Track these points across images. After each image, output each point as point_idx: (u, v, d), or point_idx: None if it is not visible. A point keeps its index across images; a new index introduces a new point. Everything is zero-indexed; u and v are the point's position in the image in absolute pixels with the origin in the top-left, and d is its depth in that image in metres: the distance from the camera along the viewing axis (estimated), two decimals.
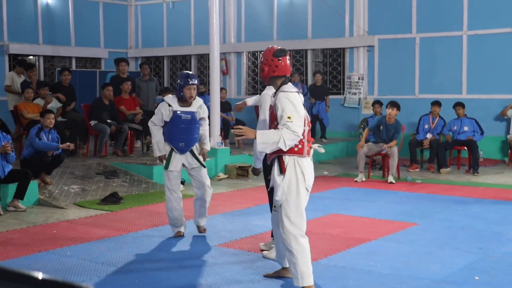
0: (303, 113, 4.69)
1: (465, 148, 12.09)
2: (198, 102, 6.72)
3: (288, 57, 4.97)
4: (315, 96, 14.60)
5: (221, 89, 14.51)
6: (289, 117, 4.57)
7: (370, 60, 14.86)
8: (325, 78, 15.51)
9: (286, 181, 4.70)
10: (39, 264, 5.81)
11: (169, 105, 6.60)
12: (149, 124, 6.81)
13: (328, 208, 8.39)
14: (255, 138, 4.62)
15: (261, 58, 4.95)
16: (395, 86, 14.49)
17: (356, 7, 15.01)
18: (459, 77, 13.90)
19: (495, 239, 6.73)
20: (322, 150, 5.13)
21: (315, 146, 4.98)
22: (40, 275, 1.57)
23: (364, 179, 10.89)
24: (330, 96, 14.95)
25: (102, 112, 11.38)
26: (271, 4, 16.45)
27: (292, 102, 4.66)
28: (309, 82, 15.77)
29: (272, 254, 5.78)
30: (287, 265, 5.11)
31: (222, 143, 11.57)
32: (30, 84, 11.81)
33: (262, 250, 6.13)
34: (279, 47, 4.95)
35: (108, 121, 11.35)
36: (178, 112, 6.61)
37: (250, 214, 8.13)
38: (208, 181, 6.91)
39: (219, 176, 11.09)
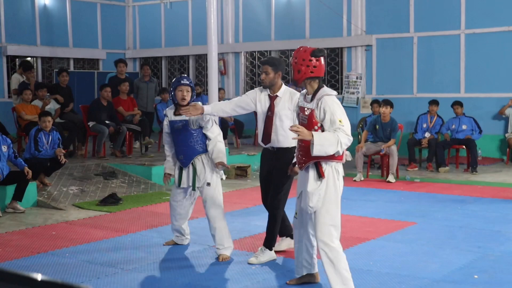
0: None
1: (464, 147, 12.10)
2: None
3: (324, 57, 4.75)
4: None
5: (219, 89, 14.51)
6: (340, 121, 4.44)
7: (368, 60, 14.87)
8: (323, 77, 15.49)
9: (323, 187, 4.57)
10: (38, 265, 5.81)
11: (166, 116, 6.17)
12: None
13: None
14: (312, 139, 4.39)
15: (294, 59, 4.71)
16: (393, 85, 14.49)
17: (354, 7, 15.02)
18: (457, 76, 13.91)
19: (494, 238, 6.74)
20: (350, 158, 5.04)
21: (347, 152, 4.85)
22: (39, 277, 1.58)
23: (362, 179, 10.89)
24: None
25: (100, 113, 11.38)
26: (269, 4, 16.45)
27: (340, 105, 4.57)
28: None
29: (281, 245, 6.10)
30: (313, 271, 5.06)
31: None
32: (28, 86, 11.81)
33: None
34: (316, 47, 4.75)
35: (107, 122, 11.35)
36: (171, 121, 6.10)
37: (249, 214, 8.13)
38: (211, 201, 6.06)
39: None
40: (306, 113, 4.64)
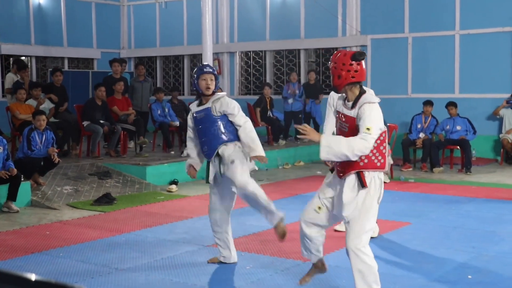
0: (383, 127, 4.31)
1: (458, 147, 12.12)
2: (216, 96, 5.63)
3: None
4: (308, 95, 14.59)
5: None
6: (368, 128, 4.18)
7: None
8: (318, 77, 15.52)
9: (362, 196, 4.32)
10: (32, 265, 5.79)
11: (190, 110, 5.79)
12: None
13: None
14: (320, 140, 4.24)
15: (334, 63, 4.42)
16: (388, 85, 14.51)
17: (349, 7, 15.03)
18: (452, 76, 13.94)
19: (488, 238, 6.75)
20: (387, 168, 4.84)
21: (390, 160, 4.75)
22: (33, 277, 1.57)
23: None
24: (323, 96, 14.94)
25: (95, 112, 11.35)
26: (264, 4, 16.45)
27: (378, 114, 4.28)
28: (302, 82, 15.76)
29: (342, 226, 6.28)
30: (321, 257, 4.84)
31: None
32: (22, 85, 11.77)
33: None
34: (356, 50, 4.47)
35: (101, 121, 11.32)
36: (194, 113, 5.69)
37: (244, 214, 8.12)
38: (238, 177, 5.40)
39: None
40: (345, 121, 4.40)
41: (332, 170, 4.67)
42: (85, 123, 11.37)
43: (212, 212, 5.79)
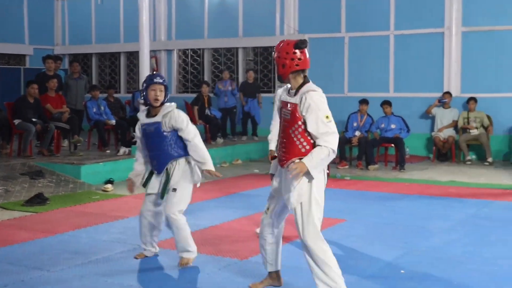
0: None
1: (392, 145, 12.37)
2: (165, 109, 5.50)
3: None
4: (247, 93, 14.61)
5: None
6: (327, 116, 4.31)
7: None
8: (256, 76, 15.56)
9: (308, 183, 4.37)
10: None
11: (138, 119, 5.66)
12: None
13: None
14: (306, 168, 4.26)
15: (277, 53, 4.46)
16: (325, 84, 14.48)
17: (287, 6, 15.13)
18: (386, 76, 14.22)
19: (420, 233, 6.91)
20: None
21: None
22: None
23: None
24: (262, 94, 15.00)
25: (26, 110, 11.06)
26: (202, 1, 16.39)
27: (325, 102, 4.40)
28: (240, 80, 15.79)
29: None
30: (277, 269, 4.90)
31: None
32: None
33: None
34: (298, 39, 4.48)
35: (33, 119, 11.05)
36: (143, 125, 5.57)
37: (192, 211, 8.05)
38: (169, 209, 5.51)
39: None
40: (288, 108, 4.46)
41: (273, 159, 4.78)
42: (16, 121, 11.07)
43: (142, 216, 5.79)
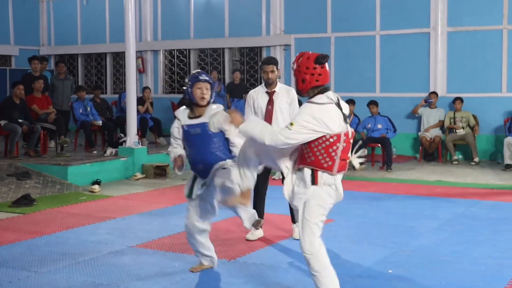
0: (331, 130, 4.18)
1: (379, 145, 12.41)
2: (211, 110, 5.15)
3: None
4: (233, 94, 14.61)
5: (144, 88, 14.30)
6: (292, 124, 4.16)
7: (287, 59, 15.01)
8: (242, 76, 15.56)
9: (310, 192, 4.35)
10: None
11: (178, 119, 5.23)
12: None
13: None
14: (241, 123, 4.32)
15: (297, 67, 4.33)
16: None
17: (273, 6, 15.14)
18: (373, 76, 14.26)
19: (408, 233, 6.94)
20: (357, 165, 4.77)
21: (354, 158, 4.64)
22: None
23: (281, 177, 10.97)
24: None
25: (12, 111, 11.00)
26: (188, 2, 16.35)
27: (310, 114, 4.16)
28: (227, 81, 15.78)
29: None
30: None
31: (139, 143, 11.40)
32: None
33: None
34: (319, 53, 4.36)
35: (20, 120, 10.98)
36: (185, 126, 5.16)
37: (168, 213, 8.05)
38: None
39: (136, 176, 10.92)
40: None
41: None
42: (2, 122, 11.00)
43: (190, 225, 5.37)
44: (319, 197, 4.37)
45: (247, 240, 6.55)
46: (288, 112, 6.48)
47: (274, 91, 6.53)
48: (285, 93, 6.54)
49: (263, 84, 6.63)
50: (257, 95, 6.57)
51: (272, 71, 6.46)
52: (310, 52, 4.41)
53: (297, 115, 4.23)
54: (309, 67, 4.31)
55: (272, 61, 6.52)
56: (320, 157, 4.24)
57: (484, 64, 13.19)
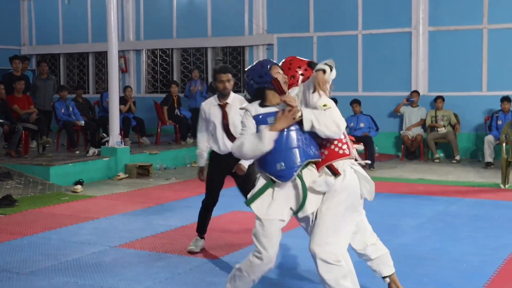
0: None
1: (362, 144, 12.46)
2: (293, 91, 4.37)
3: None
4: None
5: (126, 87, 14.25)
6: (325, 105, 4.22)
7: (270, 59, 15.02)
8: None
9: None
10: None
11: (247, 111, 4.24)
12: (237, 142, 4.15)
13: (230, 206, 8.39)
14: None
15: (288, 64, 4.43)
16: None
17: (255, 6, 15.16)
18: (355, 75, 14.32)
19: (390, 231, 6.97)
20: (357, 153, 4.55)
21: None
22: None
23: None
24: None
25: None
26: (171, 1, 16.33)
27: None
28: (209, 80, 15.77)
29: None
30: None
31: (122, 142, 11.36)
32: None
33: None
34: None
35: (0, 120, 10.89)
36: (261, 114, 4.15)
37: (151, 213, 8.04)
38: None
39: (119, 175, 10.89)
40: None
41: None
42: None
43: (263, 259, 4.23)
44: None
45: (189, 252, 6.03)
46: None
47: (227, 103, 5.89)
48: (238, 104, 5.79)
49: (216, 96, 5.98)
50: (209, 108, 5.98)
51: (229, 81, 5.86)
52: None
53: (315, 99, 4.16)
54: (301, 66, 4.46)
55: (229, 69, 5.94)
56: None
57: (465, 63, 13.31)
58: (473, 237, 6.70)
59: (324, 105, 4.10)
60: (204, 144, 6.10)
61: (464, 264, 5.67)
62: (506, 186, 9.82)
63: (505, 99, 12.22)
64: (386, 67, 13.98)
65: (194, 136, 14.31)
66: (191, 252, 6.06)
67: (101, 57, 17.33)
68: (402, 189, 9.76)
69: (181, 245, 6.35)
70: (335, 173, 4.13)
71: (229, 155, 5.43)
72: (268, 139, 3.96)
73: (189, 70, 16.32)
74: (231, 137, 5.79)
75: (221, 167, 6.01)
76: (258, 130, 4.07)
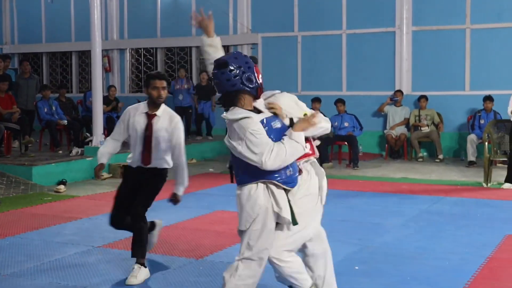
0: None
1: (346, 143, 12.52)
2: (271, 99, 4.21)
3: None
4: (201, 96, 14.53)
5: (110, 86, 14.18)
6: (305, 114, 4.10)
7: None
8: (210, 77, 15.49)
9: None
10: None
11: (248, 118, 3.80)
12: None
13: (213, 205, 8.41)
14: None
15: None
16: (279, 83, 14.63)
17: (240, 5, 15.15)
18: (339, 74, 14.36)
19: (374, 230, 7.02)
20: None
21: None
22: None
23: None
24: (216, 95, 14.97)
25: None
26: (155, 0, 16.27)
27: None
28: (194, 79, 15.74)
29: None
30: None
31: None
32: None
33: None
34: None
35: None
36: (264, 120, 3.87)
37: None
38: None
39: (102, 175, 10.81)
40: None
41: None
42: None
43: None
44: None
45: (127, 284, 5.15)
46: (166, 143, 5.38)
47: (155, 115, 5.35)
48: (167, 120, 5.36)
49: (146, 102, 5.43)
50: (135, 114, 5.41)
51: (164, 88, 5.33)
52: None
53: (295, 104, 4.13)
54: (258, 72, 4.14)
55: (165, 76, 5.44)
56: None
57: (448, 62, 13.39)
58: (456, 235, 6.75)
59: (305, 114, 4.00)
60: (107, 150, 5.57)
61: (446, 262, 5.70)
62: (489, 184, 9.90)
63: (487, 98, 12.32)
64: (370, 67, 14.03)
65: None
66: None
67: (85, 56, 17.23)
68: (386, 188, 9.80)
69: (165, 245, 6.34)
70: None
71: (140, 169, 5.45)
72: (303, 140, 3.86)
73: (174, 69, 16.28)
74: (149, 151, 5.35)
75: (131, 181, 5.52)
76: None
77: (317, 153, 4.22)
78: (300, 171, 4.03)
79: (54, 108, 12.50)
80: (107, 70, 16.60)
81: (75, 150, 11.34)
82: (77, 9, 16.98)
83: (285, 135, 3.83)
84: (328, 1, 14.38)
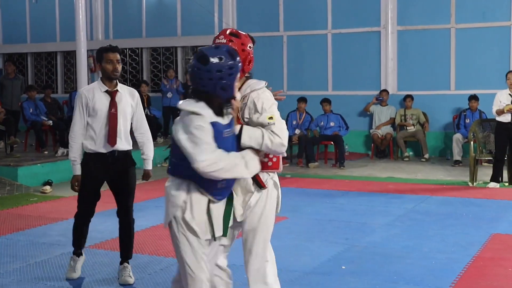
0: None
1: (332, 142, 12.55)
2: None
3: None
4: (186, 96, 14.48)
5: None
6: (271, 117, 3.59)
7: None
8: None
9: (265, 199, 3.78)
10: None
11: (199, 114, 3.43)
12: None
13: None
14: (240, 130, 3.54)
15: (242, 45, 3.79)
16: None
17: (225, 5, 15.13)
18: (325, 74, 14.39)
19: (361, 229, 7.04)
20: None
21: None
22: None
23: None
24: None
25: None
26: (140, 0, 16.22)
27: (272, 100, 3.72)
28: (180, 79, 15.71)
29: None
30: None
31: None
32: None
33: None
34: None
35: None
36: (219, 124, 3.48)
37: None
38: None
39: None
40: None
41: None
42: None
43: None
44: (274, 205, 3.95)
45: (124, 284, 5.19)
46: (130, 119, 5.19)
47: (117, 91, 5.12)
48: (128, 94, 5.20)
49: (99, 81, 5.17)
50: (93, 95, 5.05)
51: (118, 61, 5.09)
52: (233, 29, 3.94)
53: (266, 104, 3.67)
54: (251, 47, 3.83)
55: (118, 49, 5.15)
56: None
57: (433, 62, 13.46)
58: (442, 234, 6.79)
59: (270, 118, 3.61)
60: (78, 153, 5.13)
61: (433, 262, 5.73)
62: (474, 184, 9.96)
63: (472, 97, 12.39)
64: (356, 66, 14.07)
65: (165, 135, 14.26)
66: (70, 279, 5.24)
67: (70, 57, 17.14)
68: (372, 187, 9.84)
69: (152, 245, 6.32)
70: (260, 185, 3.76)
71: (110, 154, 5.07)
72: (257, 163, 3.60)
73: (159, 69, 16.24)
74: (114, 130, 5.02)
75: (98, 170, 5.14)
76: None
77: (281, 168, 3.89)
78: (262, 185, 3.75)
79: (39, 108, 12.45)
80: (92, 70, 16.50)
81: (60, 151, 11.28)
82: (62, 9, 16.89)
83: (237, 147, 3.53)
84: (314, 1, 14.40)
